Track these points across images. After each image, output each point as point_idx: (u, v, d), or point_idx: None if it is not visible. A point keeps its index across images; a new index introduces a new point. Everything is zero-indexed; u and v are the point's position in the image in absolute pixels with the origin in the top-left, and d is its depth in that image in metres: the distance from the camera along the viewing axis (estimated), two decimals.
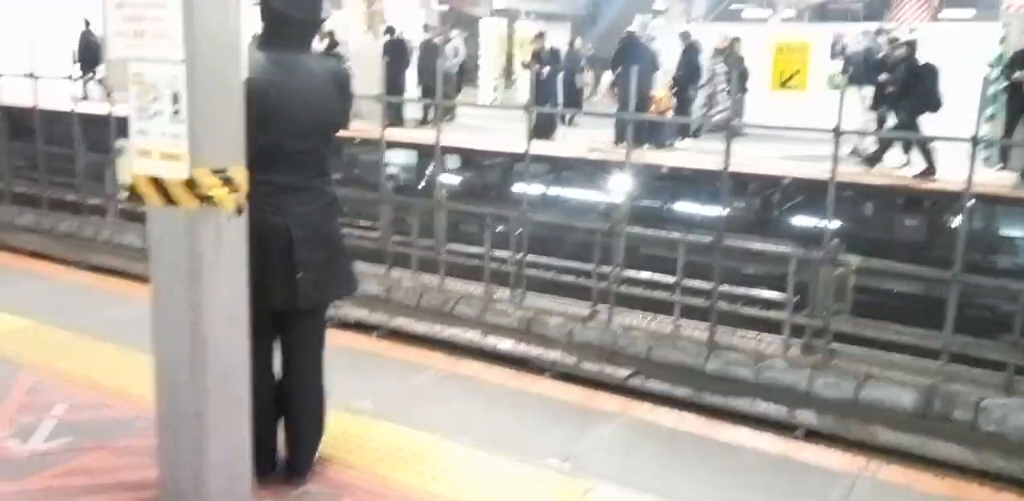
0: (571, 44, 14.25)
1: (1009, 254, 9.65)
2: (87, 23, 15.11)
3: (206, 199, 2.45)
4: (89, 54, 14.25)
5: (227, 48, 2.46)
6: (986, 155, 10.07)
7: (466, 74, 15.60)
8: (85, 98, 12.66)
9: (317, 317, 3.05)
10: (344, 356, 4.10)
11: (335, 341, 3.19)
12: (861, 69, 10.96)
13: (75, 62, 12.30)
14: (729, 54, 12.90)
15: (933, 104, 9.57)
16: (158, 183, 2.47)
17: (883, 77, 10.33)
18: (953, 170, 9.49)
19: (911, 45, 10.37)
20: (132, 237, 8.14)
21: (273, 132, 2.75)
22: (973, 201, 5.68)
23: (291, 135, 2.81)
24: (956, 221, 9.69)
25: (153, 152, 2.47)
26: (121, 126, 7.81)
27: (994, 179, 9.18)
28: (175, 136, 2.43)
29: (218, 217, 2.49)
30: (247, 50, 2.75)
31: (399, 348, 4.93)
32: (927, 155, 9.63)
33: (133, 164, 2.52)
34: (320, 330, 3.07)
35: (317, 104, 2.87)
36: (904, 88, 9.88)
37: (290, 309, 2.90)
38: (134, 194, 2.53)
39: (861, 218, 10.04)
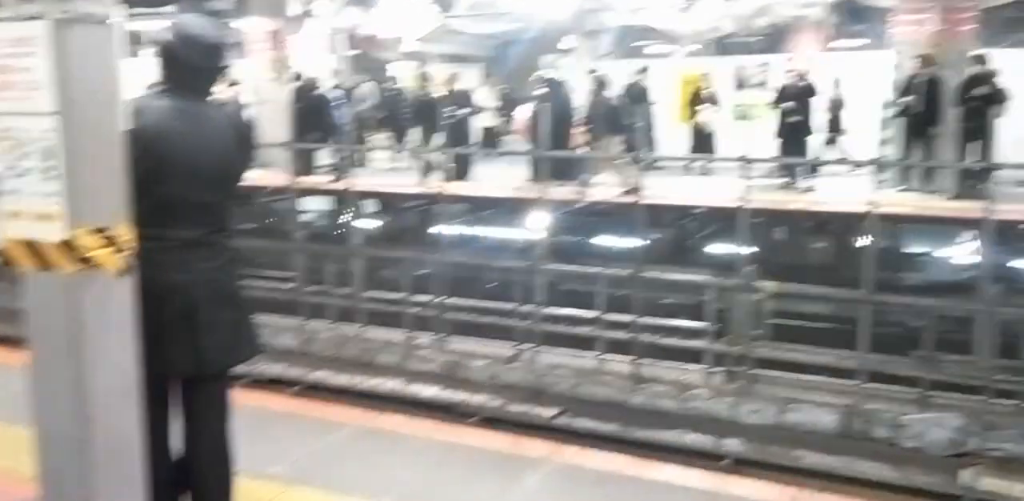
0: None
1: (914, 271, 9.99)
2: None
3: (87, 261, 2.30)
4: None
5: (105, 98, 2.33)
6: (885, 177, 10.46)
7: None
8: None
9: (222, 382, 2.84)
10: (256, 418, 3.90)
11: (246, 402, 3.02)
12: None
13: None
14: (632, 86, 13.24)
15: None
16: (33, 246, 2.32)
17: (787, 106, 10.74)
18: (845, 191, 9.87)
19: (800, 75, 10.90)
20: None
21: (173, 183, 2.62)
22: (878, 221, 5.85)
23: (192, 187, 2.66)
24: (863, 241, 10.02)
25: (25, 213, 2.31)
26: None
27: (896, 199, 9.53)
28: (49, 195, 2.28)
29: (102, 280, 2.34)
30: (145, 98, 2.65)
31: (315, 405, 4.73)
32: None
33: (4, 227, 2.36)
34: (226, 395, 2.86)
35: (219, 154, 2.73)
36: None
37: (194, 374, 2.72)
38: (6, 259, 2.37)
39: (772, 243, 10.28)
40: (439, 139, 12.05)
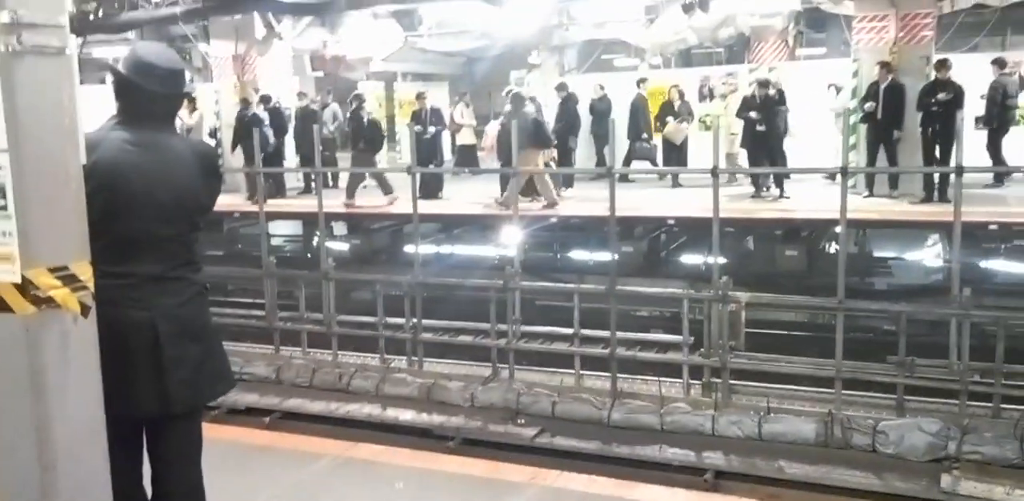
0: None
1: (883, 276, 10.08)
2: None
3: (45, 302, 2.23)
4: None
5: (59, 132, 2.24)
6: (851, 183, 10.56)
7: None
8: None
9: (192, 420, 2.75)
10: (229, 453, 3.79)
11: (219, 436, 2.94)
12: None
13: None
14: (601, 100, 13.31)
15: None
16: None
17: (754, 115, 10.81)
18: (813, 199, 9.97)
19: (764, 84, 11.01)
20: None
21: (132, 218, 2.55)
22: (846, 227, 5.89)
23: (154, 221, 2.59)
24: (833, 247, 10.12)
25: None
26: None
27: (863, 205, 9.62)
28: (3, 234, 2.21)
29: (61, 321, 2.26)
30: (104, 129, 2.57)
31: (290, 437, 4.63)
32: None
33: None
34: (197, 435, 2.77)
35: (182, 186, 2.66)
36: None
37: (162, 414, 2.63)
38: None
39: (744, 252, 10.33)
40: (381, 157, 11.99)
